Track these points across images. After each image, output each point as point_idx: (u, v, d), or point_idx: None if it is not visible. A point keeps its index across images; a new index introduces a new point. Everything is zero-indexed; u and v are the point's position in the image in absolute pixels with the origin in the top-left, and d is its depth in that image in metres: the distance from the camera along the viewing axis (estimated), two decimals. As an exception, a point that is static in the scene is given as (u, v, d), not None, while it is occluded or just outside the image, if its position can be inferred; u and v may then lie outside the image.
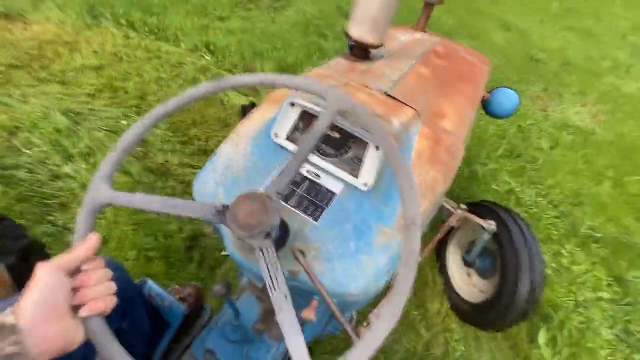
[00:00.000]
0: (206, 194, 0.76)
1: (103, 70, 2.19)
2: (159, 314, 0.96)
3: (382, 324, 0.39)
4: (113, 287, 0.46)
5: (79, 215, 0.47)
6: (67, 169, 1.53)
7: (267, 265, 0.46)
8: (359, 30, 0.99)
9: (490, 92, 1.30)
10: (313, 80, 0.62)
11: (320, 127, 0.55)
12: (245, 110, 1.51)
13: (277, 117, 0.83)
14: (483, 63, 1.43)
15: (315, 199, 0.74)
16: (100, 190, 0.49)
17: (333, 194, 0.75)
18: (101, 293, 0.43)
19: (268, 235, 0.47)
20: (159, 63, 2.35)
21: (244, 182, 0.76)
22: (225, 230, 0.68)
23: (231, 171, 0.78)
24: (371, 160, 0.74)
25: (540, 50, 3.81)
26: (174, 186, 1.59)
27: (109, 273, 0.46)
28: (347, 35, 1.02)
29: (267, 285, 0.45)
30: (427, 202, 0.79)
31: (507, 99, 1.26)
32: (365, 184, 0.74)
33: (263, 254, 0.47)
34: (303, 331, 0.42)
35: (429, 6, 1.39)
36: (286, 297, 0.43)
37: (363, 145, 0.76)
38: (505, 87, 1.28)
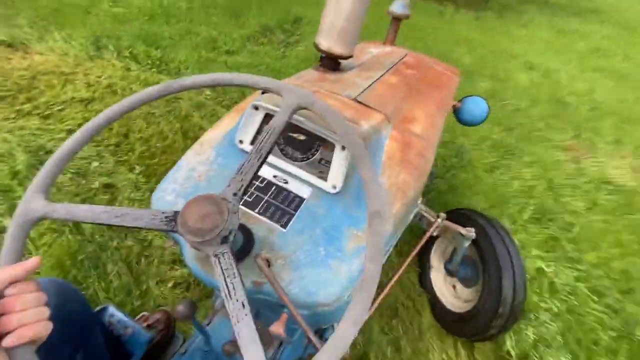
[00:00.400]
0: (164, 206, 0.70)
1: (92, 104, 2.06)
2: (121, 343, 0.88)
3: (346, 326, 0.36)
4: (45, 311, 0.41)
5: (8, 230, 0.42)
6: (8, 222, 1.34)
7: (222, 272, 0.41)
8: (328, 41, 0.99)
9: (460, 101, 1.35)
10: (271, 78, 0.59)
11: (276, 123, 0.53)
12: None
13: (239, 122, 0.81)
14: (452, 72, 1.46)
15: (282, 205, 0.71)
16: (32, 203, 0.44)
17: (301, 198, 0.72)
18: (30, 319, 0.38)
19: (224, 240, 0.43)
20: (153, 97, 2.22)
21: (205, 190, 0.68)
22: (182, 241, 0.63)
23: (192, 180, 0.74)
24: (338, 161, 0.72)
25: (567, 92, 3.53)
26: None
27: (42, 297, 0.42)
28: (317, 47, 1.02)
29: (223, 294, 0.40)
30: (399, 203, 0.77)
31: (476, 106, 1.31)
32: (334, 186, 0.72)
33: (219, 261, 0.42)
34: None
35: (396, 20, 1.45)
36: (243, 305, 0.39)
37: (330, 146, 0.74)
38: (474, 95, 1.34)
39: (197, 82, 0.59)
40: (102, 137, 1.82)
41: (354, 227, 0.69)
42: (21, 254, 0.42)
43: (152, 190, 1.60)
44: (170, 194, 0.72)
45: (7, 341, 0.36)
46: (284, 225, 0.68)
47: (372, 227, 0.44)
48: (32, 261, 0.41)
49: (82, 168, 1.60)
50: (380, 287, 0.74)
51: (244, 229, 0.62)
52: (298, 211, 0.70)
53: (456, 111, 1.35)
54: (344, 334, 0.36)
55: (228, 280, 0.41)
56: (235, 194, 0.47)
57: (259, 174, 0.76)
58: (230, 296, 0.40)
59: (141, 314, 1.09)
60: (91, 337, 0.75)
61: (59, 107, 1.97)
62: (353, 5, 0.94)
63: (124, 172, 1.61)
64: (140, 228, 0.45)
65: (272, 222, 0.68)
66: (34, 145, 1.65)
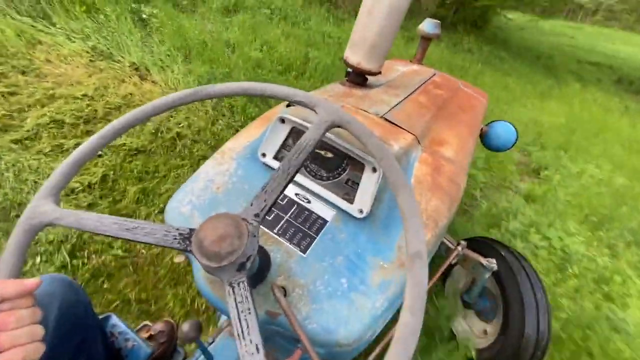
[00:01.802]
0: (179, 218, 0.67)
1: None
2: (121, 356, 0.84)
3: None
4: (39, 332, 0.39)
5: (11, 235, 0.40)
6: None
7: (236, 305, 0.37)
8: (357, 56, 0.98)
9: (487, 125, 1.30)
10: (305, 92, 0.56)
11: (308, 140, 0.49)
12: None
13: (264, 134, 0.77)
14: (481, 96, 1.42)
15: (303, 227, 0.66)
16: (40, 207, 0.42)
17: (324, 221, 0.67)
18: (23, 339, 0.36)
19: (241, 267, 0.39)
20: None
21: (222, 204, 0.68)
22: (194, 258, 0.56)
23: (210, 192, 0.70)
24: (367, 184, 0.67)
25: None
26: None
27: (37, 313, 0.39)
28: (345, 62, 1.00)
29: (235, 331, 0.36)
30: (430, 233, 0.71)
31: (504, 131, 1.26)
32: (361, 211, 0.67)
33: (233, 291, 0.38)
34: None
35: (425, 40, 1.45)
36: (257, 349, 0.34)
37: (359, 166, 0.70)
38: (502, 120, 1.29)
39: (227, 90, 0.57)
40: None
41: (380, 258, 0.64)
42: (23, 261, 0.40)
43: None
44: (185, 205, 0.69)
45: None
46: (304, 250, 0.63)
47: (413, 271, 0.39)
48: (33, 282, 0.39)
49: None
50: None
51: (261, 251, 0.57)
52: (320, 235, 0.65)
53: (483, 136, 1.31)
54: None
55: (242, 315, 0.37)
56: (257, 215, 0.43)
57: None
58: (243, 336, 0.35)
59: (143, 324, 1.04)
60: (93, 345, 0.72)
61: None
62: (386, 20, 0.92)
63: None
64: (151, 244, 0.41)
65: (291, 246, 0.64)
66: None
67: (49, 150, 1.79)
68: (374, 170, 0.68)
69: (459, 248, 1.12)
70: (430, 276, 1.06)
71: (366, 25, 0.94)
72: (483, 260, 1.10)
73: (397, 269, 0.62)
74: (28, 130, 1.86)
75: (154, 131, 2.14)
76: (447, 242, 1.15)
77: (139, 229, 0.41)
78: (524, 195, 2.55)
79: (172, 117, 2.32)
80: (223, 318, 0.94)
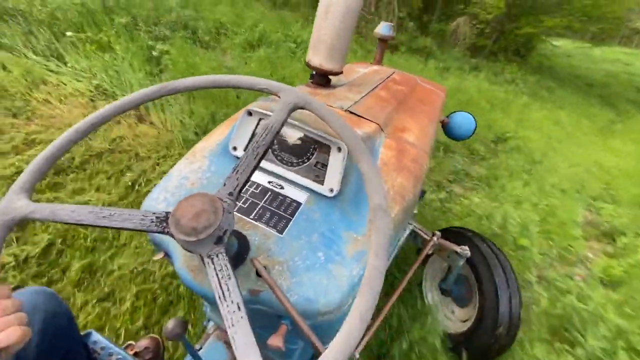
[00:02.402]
0: None
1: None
2: None
3: (353, 321, 0.35)
4: (23, 317, 0.42)
5: None
6: None
7: (216, 274, 0.38)
8: (318, 57, 1.02)
9: (448, 117, 1.38)
10: (267, 79, 0.59)
11: (273, 122, 0.51)
12: None
13: (233, 128, 0.79)
14: (439, 89, 1.53)
15: (278, 210, 0.69)
16: (14, 202, 0.42)
17: (298, 203, 0.70)
18: (5, 324, 0.39)
19: (218, 241, 0.40)
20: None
21: None
22: (172, 247, 0.63)
23: (184, 188, 0.72)
24: (335, 163, 0.72)
25: None
26: None
27: (16, 302, 0.42)
28: (308, 64, 1.05)
29: (217, 296, 0.37)
30: (397, 206, 0.76)
31: (464, 121, 1.34)
32: (331, 189, 0.71)
33: (212, 262, 0.39)
34: None
35: (382, 42, 1.53)
36: (239, 307, 0.36)
37: (325, 149, 0.75)
38: (461, 111, 1.38)
39: (196, 83, 0.58)
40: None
41: (353, 231, 0.67)
42: None
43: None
44: (161, 202, 0.69)
45: None
46: (281, 231, 0.66)
47: (376, 222, 0.42)
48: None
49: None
50: (380, 307, 0.71)
51: (238, 235, 0.60)
52: (295, 216, 0.68)
53: (445, 127, 1.38)
54: (350, 330, 0.34)
55: (222, 281, 0.38)
56: (230, 194, 0.45)
57: (254, 179, 0.74)
58: (224, 297, 0.37)
59: (127, 343, 1.03)
60: (77, 357, 0.73)
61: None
62: (341, 22, 0.97)
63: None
64: (129, 229, 0.42)
65: (268, 228, 0.66)
66: None
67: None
68: (339, 149, 0.71)
69: (435, 238, 1.18)
70: (408, 267, 1.13)
71: (323, 27, 0.98)
72: (457, 248, 1.17)
73: (368, 240, 0.65)
74: (-15, 186, 1.63)
75: (130, 184, 1.84)
76: (423, 234, 1.20)
77: (115, 216, 0.41)
78: (598, 276, 1.91)
79: (156, 167, 2.03)
80: (210, 324, 0.94)
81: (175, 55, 3.18)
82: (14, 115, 2.21)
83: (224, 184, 0.45)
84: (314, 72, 1.07)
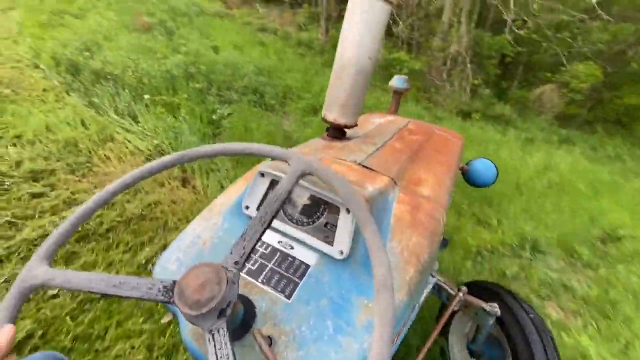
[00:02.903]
0: (166, 276, 0.66)
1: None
2: None
3: None
4: None
5: (6, 297, 0.41)
6: None
7: (215, 352, 0.38)
8: (333, 113, 1.07)
9: (467, 164, 1.38)
10: (275, 146, 0.60)
11: (282, 188, 0.53)
12: None
13: (247, 188, 0.81)
14: (456, 137, 1.48)
15: (287, 273, 0.68)
16: (34, 270, 0.44)
17: (307, 265, 0.69)
18: None
19: (221, 314, 0.40)
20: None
21: (208, 258, 0.69)
22: (179, 314, 0.60)
23: (196, 247, 0.72)
24: (344, 225, 0.70)
25: None
26: None
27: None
28: (324, 119, 1.10)
29: None
30: (412, 268, 0.72)
31: (485, 168, 1.33)
32: (341, 252, 0.69)
33: (213, 338, 0.39)
34: None
35: (397, 94, 1.66)
36: None
37: (335, 209, 0.74)
38: (481, 157, 1.37)
39: (209, 151, 0.59)
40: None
41: (364, 296, 0.64)
42: (13, 322, 0.41)
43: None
44: (173, 263, 0.70)
45: None
46: (289, 295, 0.64)
47: (378, 299, 0.41)
48: (9, 330, 0.40)
49: None
50: None
51: (245, 301, 0.60)
52: (304, 279, 0.67)
53: (465, 174, 1.38)
54: None
55: None
56: (236, 262, 0.45)
57: (264, 239, 0.74)
58: None
59: None
60: None
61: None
62: (354, 80, 1.03)
63: None
64: (137, 298, 0.43)
65: (276, 293, 0.64)
66: None
67: (2, 281, 1.42)
68: (348, 211, 0.69)
69: (460, 294, 1.08)
70: (433, 325, 1.06)
71: (337, 87, 1.05)
72: (485, 305, 1.06)
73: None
74: (8, 248, 1.57)
75: (143, 262, 1.65)
76: (447, 288, 1.11)
77: (125, 285, 0.42)
78: None
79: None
80: None
81: (235, 119, 3.23)
82: (72, 172, 2.30)
83: (231, 252, 0.46)
84: (330, 127, 1.11)
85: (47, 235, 1.73)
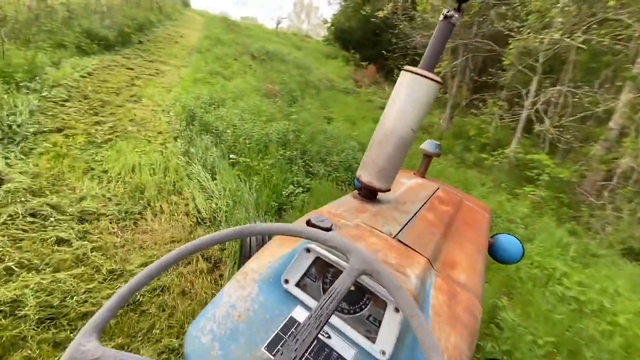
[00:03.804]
0: (199, 349, 0.63)
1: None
2: None
3: None
4: None
5: None
6: None
7: None
8: (369, 176, 1.08)
9: (492, 237, 1.30)
10: (340, 237, 0.57)
11: (339, 288, 0.50)
12: None
13: (288, 260, 0.77)
14: (483, 209, 1.46)
15: None
16: (83, 345, 0.41)
17: None
18: None
19: None
20: None
21: (243, 334, 0.65)
22: None
23: (231, 320, 0.68)
24: (390, 323, 0.65)
25: None
26: None
27: None
28: (358, 179, 1.11)
29: None
30: None
31: (509, 244, 1.26)
32: (383, 352, 0.63)
33: None
34: None
35: (427, 157, 1.63)
36: None
37: (381, 303, 0.69)
38: (505, 232, 1.31)
39: (270, 229, 0.59)
40: None
41: None
42: None
43: None
44: (206, 334, 0.66)
45: None
46: None
47: None
48: None
49: None
50: None
51: None
52: None
53: (490, 248, 1.28)
54: None
55: None
56: None
57: (301, 321, 0.68)
58: None
59: None
60: None
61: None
62: (394, 150, 1.06)
63: None
64: None
65: None
66: None
67: None
68: (397, 310, 0.66)
69: None
70: None
71: (378, 153, 1.08)
72: None
73: None
74: None
75: None
76: None
77: None
78: None
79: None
80: None
81: (311, 195, 2.78)
82: (117, 221, 2.15)
83: (281, 353, 0.42)
84: (362, 187, 1.12)
85: (17, 300, 1.45)
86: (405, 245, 0.88)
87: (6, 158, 2.41)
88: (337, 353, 0.64)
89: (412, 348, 0.65)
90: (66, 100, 3.61)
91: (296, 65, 9.87)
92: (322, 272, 0.75)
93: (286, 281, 0.74)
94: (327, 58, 14.44)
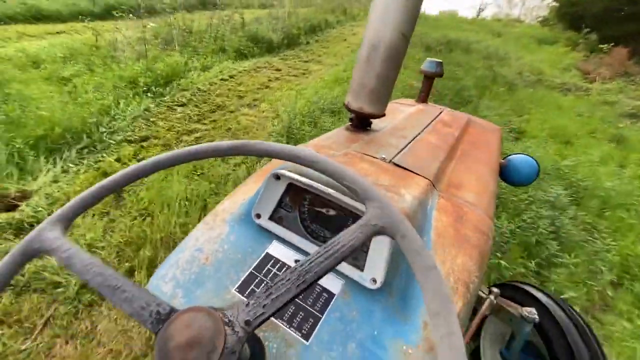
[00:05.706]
0: (161, 296, 0.55)
1: None
2: None
3: None
4: None
5: (9, 253, 0.36)
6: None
7: None
8: (359, 101, 0.96)
9: (505, 159, 1.22)
10: (360, 176, 0.42)
11: (343, 242, 0.34)
12: None
13: (258, 193, 0.69)
14: (493, 128, 1.35)
15: (305, 303, 0.54)
16: (46, 231, 0.37)
17: (330, 294, 0.55)
18: None
19: None
20: None
21: (210, 278, 0.57)
22: None
23: (197, 264, 0.60)
24: (378, 248, 0.56)
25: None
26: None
27: None
28: (347, 107, 0.99)
29: None
30: (461, 300, 0.57)
31: (524, 165, 1.17)
32: (374, 280, 0.55)
33: None
34: None
35: (428, 79, 1.46)
36: None
37: None
38: (521, 152, 1.21)
39: (274, 149, 0.46)
40: None
41: (402, 340, 0.50)
42: (9, 280, 0.36)
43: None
44: (169, 281, 0.58)
45: None
46: (306, 336, 0.51)
47: (442, 349, 0.28)
48: None
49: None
50: None
51: (254, 341, 0.45)
52: (325, 313, 0.53)
53: (502, 170, 1.18)
54: None
55: None
56: (247, 323, 0.30)
57: (277, 257, 0.60)
58: None
59: None
60: None
61: None
62: (384, 65, 0.91)
63: None
64: (125, 312, 0.33)
65: (290, 330, 0.51)
66: None
67: None
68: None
69: (492, 297, 0.94)
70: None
71: (365, 71, 0.93)
72: (521, 311, 0.93)
73: (426, 355, 0.49)
74: None
75: None
76: (479, 291, 0.91)
77: (119, 291, 0.33)
78: None
79: None
80: None
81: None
82: (139, 269, 1.40)
83: (247, 304, 0.31)
84: (354, 116, 1.02)
85: None
86: (404, 168, 0.79)
87: (64, 172, 2.17)
88: (321, 286, 0.56)
89: (407, 273, 0.57)
90: (182, 105, 3.43)
91: (485, 55, 7.45)
92: (298, 201, 0.66)
93: (258, 215, 0.65)
94: (539, 44, 10.67)
